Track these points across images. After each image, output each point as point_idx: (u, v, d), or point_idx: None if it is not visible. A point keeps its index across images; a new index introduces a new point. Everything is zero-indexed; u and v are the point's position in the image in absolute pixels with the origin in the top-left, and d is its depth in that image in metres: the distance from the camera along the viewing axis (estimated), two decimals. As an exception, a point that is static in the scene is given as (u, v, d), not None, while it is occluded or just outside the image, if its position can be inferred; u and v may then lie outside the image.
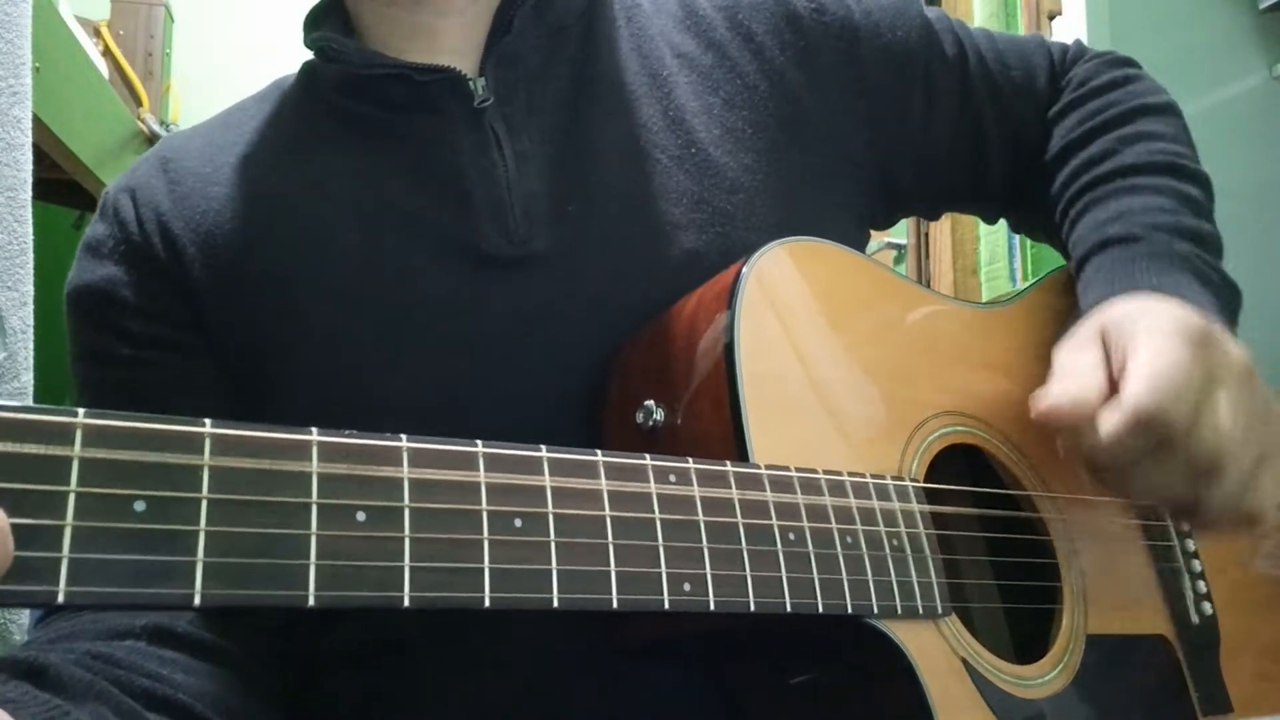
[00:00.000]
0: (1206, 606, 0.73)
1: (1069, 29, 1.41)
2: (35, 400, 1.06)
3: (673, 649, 0.60)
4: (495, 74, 0.69)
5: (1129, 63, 0.84)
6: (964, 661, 0.57)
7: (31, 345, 1.07)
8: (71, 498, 0.34)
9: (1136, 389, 0.55)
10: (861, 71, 0.76)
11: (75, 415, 0.34)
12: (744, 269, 0.58)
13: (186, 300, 0.68)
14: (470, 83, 0.68)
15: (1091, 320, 0.63)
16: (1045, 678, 0.61)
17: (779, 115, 0.73)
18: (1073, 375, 0.60)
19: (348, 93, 0.71)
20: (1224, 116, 1.41)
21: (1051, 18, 1.51)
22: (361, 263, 0.66)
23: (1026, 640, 0.66)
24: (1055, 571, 0.66)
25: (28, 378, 1.05)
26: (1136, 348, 0.58)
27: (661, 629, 0.57)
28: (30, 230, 1.08)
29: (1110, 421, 0.56)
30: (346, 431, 0.40)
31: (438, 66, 0.68)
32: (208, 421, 0.37)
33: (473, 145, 0.68)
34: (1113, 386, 0.58)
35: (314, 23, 0.75)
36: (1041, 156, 0.80)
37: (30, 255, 1.08)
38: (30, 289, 1.08)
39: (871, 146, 0.76)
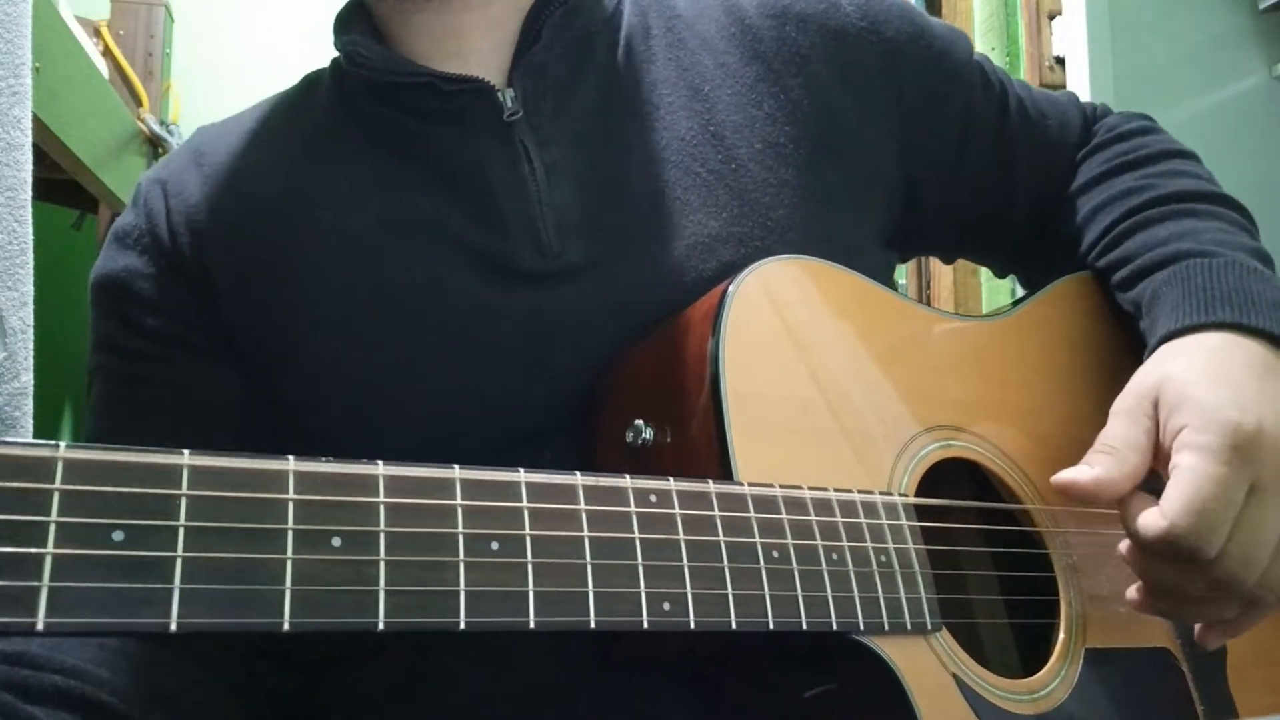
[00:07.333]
0: (1212, 616, 0.72)
1: (1069, 29, 1.40)
2: (35, 400, 1.06)
3: (666, 664, 0.60)
4: (523, 84, 0.68)
5: (1150, 119, 0.86)
6: (955, 677, 0.57)
7: (31, 345, 1.07)
8: (52, 528, 0.34)
9: (1176, 515, 0.57)
10: (902, 92, 0.76)
11: (57, 449, 0.35)
12: (730, 288, 0.57)
13: (207, 299, 0.67)
14: (499, 94, 0.68)
15: (1153, 374, 0.64)
16: (1041, 692, 0.61)
17: (819, 132, 0.72)
18: (1112, 453, 0.61)
19: (375, 98, 0.70)
20: (1224, 116, 1.40)
21: (1051, 18, 1.49)
22: (384, 270, 0.66)
23: (1032, 655, 0.65)
24: (1053, 585, 0.66)
25: (28, 378, 1.05)
26: (1183, 450, 0.59)
27: (653, 647, 0.56)
28: (30, 230, 1.09)
29: (1148, 528, 0.58)
30: (323, 458, 0.39)
31: (465, 77, 0.67)
32: (186, 452, 0.37)
33: (502, 160, 0.67)
34: (1155, 455, 0.61)
35: (344, 24, 0.74)
36: (1068, 188, 0.82)
37: (30, 255, 1.09)
38: (30, 289, 1.08)
39: (903, 168, 0.77)
